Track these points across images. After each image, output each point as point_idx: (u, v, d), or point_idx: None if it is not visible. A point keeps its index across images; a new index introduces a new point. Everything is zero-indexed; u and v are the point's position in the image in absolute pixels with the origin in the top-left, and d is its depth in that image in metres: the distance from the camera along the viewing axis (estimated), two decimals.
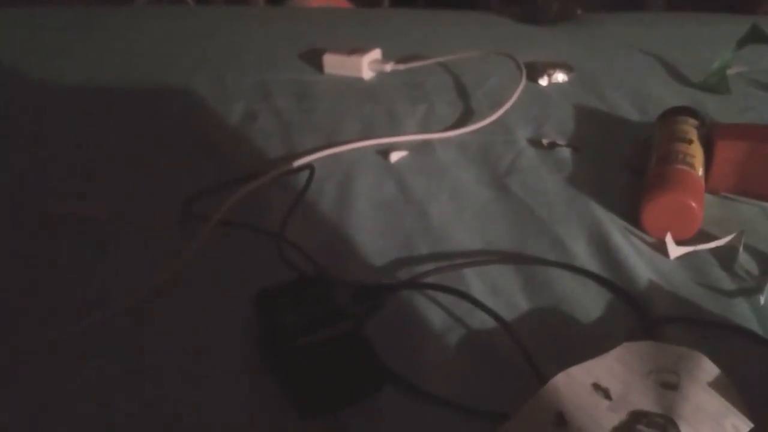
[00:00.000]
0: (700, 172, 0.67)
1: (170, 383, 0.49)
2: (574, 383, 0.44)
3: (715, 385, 0.44)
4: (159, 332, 0.53)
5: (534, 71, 1.01)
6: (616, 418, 0.42)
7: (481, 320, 0.53)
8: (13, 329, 0.53)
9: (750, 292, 0.57)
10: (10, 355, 0.51)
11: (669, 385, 0.44)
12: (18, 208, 0.70)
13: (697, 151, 0.69)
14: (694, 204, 0.62)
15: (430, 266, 0.60)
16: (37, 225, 0.67)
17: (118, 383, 0.49)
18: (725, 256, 0.61)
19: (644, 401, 0.43)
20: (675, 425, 0.41)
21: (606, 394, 0.44)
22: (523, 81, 0.96)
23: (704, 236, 0.63)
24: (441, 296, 0.56)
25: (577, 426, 0.41)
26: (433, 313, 0.55)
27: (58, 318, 0.54)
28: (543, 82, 1.00)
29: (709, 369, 0.45)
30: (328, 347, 0.47)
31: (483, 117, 0.87)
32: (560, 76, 1.01)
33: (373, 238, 0.64)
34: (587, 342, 0.51)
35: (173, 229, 0.66)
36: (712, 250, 0.61)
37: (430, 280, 0.58)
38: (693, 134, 0.72)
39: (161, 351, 0.51)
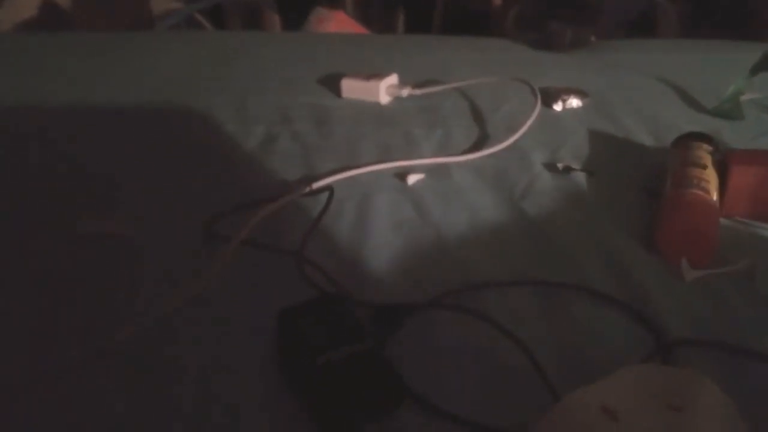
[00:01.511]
0: (715, 197, 0.68)
1: (192, 400, 0.49)
2: (582, 406, 0.44)
3: (718, 406, 0.44)
4: (182, 349, 0.54)
5: (548, 97, 1.02)
6: None
7: (498, 341, 0.54)
8: (40, 346, 0.54)
9: (766, 316, 0.57)
10: (38, 372, 0.51)
11: (674, 407, 0.44)
12: (45, 227, 0.71)
13: (711, 177, 0.70)
14: (709, 229, 0.63)
15: (447, 287, 0.60)
16: (63, 244, 0.68)
17: (140, 401, 0.49)
18: (740, 280, 0.61)
19: (651, 423, 0.43)
20: None
21: (613, 416, 0.44)
22: (538, 106, 0.97)
23: (719, 261, 0.63)
24: (458, 317, 0.56)
25: None
26: (451, 333, 0.55)
27: (82, 336, 0.55)
28: (557, 107, 1.01)
29: (712, 391, 0.45)
30: (348, 365, 0.48)
31: (499, 141, 0.88)
32: (574, 102, 1.02)
33: (391, 259, 0.65)
34: (604, 363, 0.51)
35: (196, 249, 0.67)
36: (728, 274, 0.62)
37: (447, 300, 0.59)
38: (707, 160, 0.73)
39: (184, 368, 0.52)
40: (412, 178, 0.80)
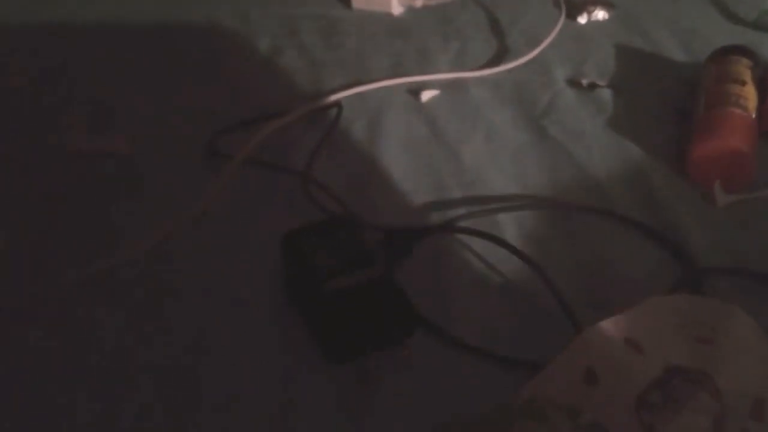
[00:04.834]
0: (754, 116, 0.64)
1: (194, 326, 0.49)
2: (605, 338, 0.43)
3: (751, 337, 0.43)
4: (182, 273, 0.54)
5: (573, 8, 0.98)
6: (650, 374, 0.41)
7: (515, 267, 0.52)
8: (34, 268, 0.54)
9: None
10: (33, 295, 0.51)
11: (703, 339, 0.43)
12: (39, 145, 0.70)
13: (750, 94, 0.66)
14: (746, 150, 0.60)
15: (462, 210, 0.59)
16: (57, 162, 0.67)
17: (140, 327, 0.49)
18: None
19: (678, 356, 0.42)
20: (711, 379, 0.40)
21: (638, 349, 0.42)
22: (562, 18, 0.93)
23: (755, 185, 0.60)
24: (474, 241, 0.55)
25: (609, 383, 0.40)
26: (465, 258, 0.54)
27: (77, 258, 0.55)
28: (582, 19, 0.97)
29: (745, 321, 0.43)
30: (357, 291, 0.47)
31: (519, 55, 0.84)
32: (600, 14, 0.97)
33: (403, 180, 0.64)
34: (628, 292, 0.50)
35: (197, 167, 0.66)
36: (764, 199, 0.59)
37: (462, 224, 0.57)
38: (746, 75, 0.69)
39: (184, 293, 0.52)
40: (426, 95, 0.77)
